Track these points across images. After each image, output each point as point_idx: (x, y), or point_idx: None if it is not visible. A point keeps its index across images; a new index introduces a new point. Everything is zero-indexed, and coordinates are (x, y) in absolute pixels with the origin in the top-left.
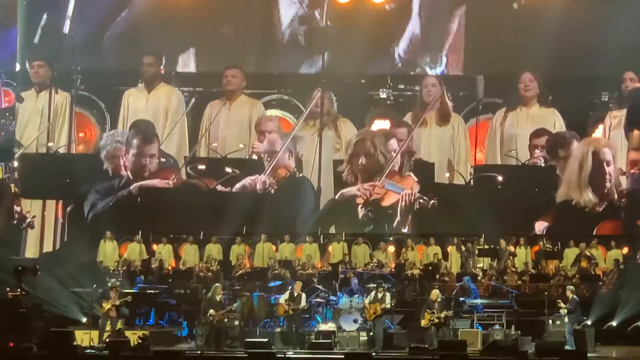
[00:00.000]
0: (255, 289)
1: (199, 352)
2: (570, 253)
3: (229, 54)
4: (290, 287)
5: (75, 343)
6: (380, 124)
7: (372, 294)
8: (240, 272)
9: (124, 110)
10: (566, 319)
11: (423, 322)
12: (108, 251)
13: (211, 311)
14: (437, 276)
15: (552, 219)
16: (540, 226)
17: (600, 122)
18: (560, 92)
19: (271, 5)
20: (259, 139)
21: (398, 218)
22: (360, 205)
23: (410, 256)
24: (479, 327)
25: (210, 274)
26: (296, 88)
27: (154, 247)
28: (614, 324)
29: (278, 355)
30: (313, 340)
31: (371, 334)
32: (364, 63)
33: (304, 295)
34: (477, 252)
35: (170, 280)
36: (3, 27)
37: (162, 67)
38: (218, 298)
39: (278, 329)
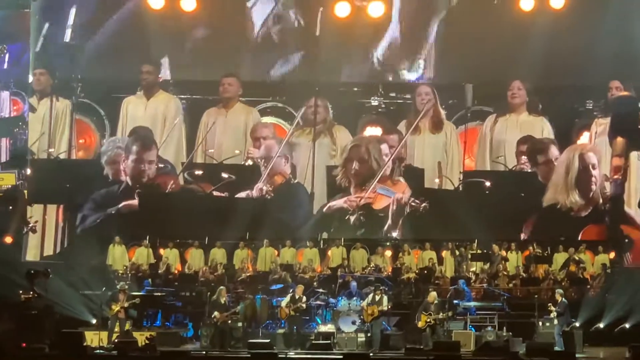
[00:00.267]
0: (258, 292)
1: (204, 352)
2: (560, 258)
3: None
4: (291, 290)
5: (85, 343)
6: (372, 131)
7: (370, 296)
8: (244, 275)
9: (123, 117)
10: (555, 321)
11: (420, 324)
12: (117, 255)
13: (215, 313)
14: (432, 280)
15: (538, 223)
16: (526, 229)
17: (585, 129)
18: (547, 100)
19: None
20: (254, 145)
21: (389, 222)
22: (351, 210)
23: (407, 260)
24: (472, 329)
25: (214, 277)
26: (290, 96)
27: (161, 251)
28: (602, 325)
29: (280, 356)
30: (313, 341)
31: (369, 335)
32: (353, 70)
33: (304, 298)
34: (470, 256)
35: (176, 283)
36: (16, 41)
37: (160, 76)
38: (222, 301)
39: (280, 330)
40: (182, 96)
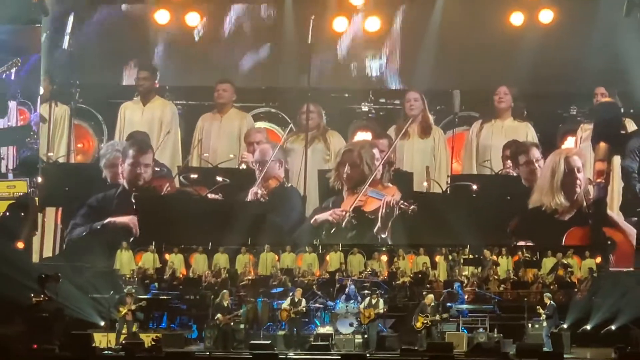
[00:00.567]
0: (259, 295)
1: (208, 353)
2: (548, 262)
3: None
4: (291, 294)
5: (94, 345)
6: (363, 136)
7: (367, 299)
8: (246, 279)
9: (121, 122)
10: (544, 323)
11: (417, 325)
12: (124, 260)
13: (219, 315)
14: (425, 284)
15: (523, 225)
16: (510, 231)
17: (569, 134)
18: (532, 106)
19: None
20: (248, 149)
21: (378, 224)
22: (344, 212)
23: (402, 265)
24: (465, 331)
25: (218, 281)
26: (283, 101)
27: (167, 256)
28: (589, 327)
29: (280, 357)
30: (312, 343)
31: (365, 336)
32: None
33: (304, 301)
34: (462, 261)
35: (181, 287)
36: (26, 54)
37: (156, 82)
38: (225, 303)
39: (280, 332)
40: (178, 102)
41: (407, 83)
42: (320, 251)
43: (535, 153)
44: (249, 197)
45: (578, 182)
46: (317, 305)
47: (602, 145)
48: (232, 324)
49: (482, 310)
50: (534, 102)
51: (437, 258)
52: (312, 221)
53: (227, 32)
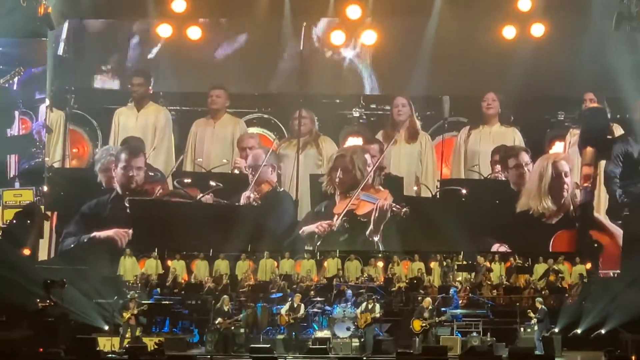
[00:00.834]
0: (259, 301)
1: (209, 356)
2: (540, 268)
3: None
4: (290, 299)
5: (98, 348)
6: (354, 141)
7: (363, 304)
8: (246, 285)
9: (115, 128)
10: (536, 327)
11: (416, 328)
12: (128, 266)
13: (219, 320)
14: (419, 289)
15: (512, 229)
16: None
17: (557, 139)
18: (520, 111)
19: None
20: (241, 154)
21: (371, 227)
22: (335, 217)
23: (397, 271)
24: (459, 334)
25: (218, 286)
26: (276, 107)
27: (169, 262)
28: (579, 331)
29: None
30: (310, 346)
31: (362, 340)
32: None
33: (302, 306)
34: (456, 267)
35: (183, 292)
36: (33, 66)
37: (150, 88)
38: (226, 308)
39: (279, 336)
40: (172, 107)
41: (396, 89)
42: (318, 257)
43: (524, 157)
44: (242, 201)
45: (565, 186)
46: (315, 310)
47: (589, 150)
48: (232, 328)
49: (476, 314)
50: (521, 108)
51: (432, 264)
52: (300, 232)
53: (222, 42)
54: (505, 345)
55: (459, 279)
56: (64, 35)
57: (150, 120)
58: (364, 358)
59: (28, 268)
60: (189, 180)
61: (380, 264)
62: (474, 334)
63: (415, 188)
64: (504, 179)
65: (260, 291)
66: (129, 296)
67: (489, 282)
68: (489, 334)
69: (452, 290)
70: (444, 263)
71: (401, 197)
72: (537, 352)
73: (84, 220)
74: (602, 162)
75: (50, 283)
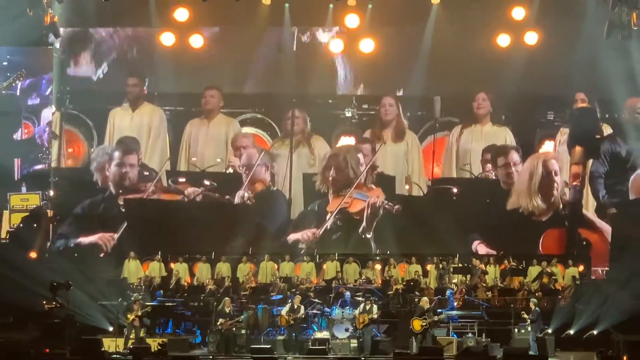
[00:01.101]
0: (259, 302)
1: (211, 357)
2: (533, 270)
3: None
4: (290, 301)
5: (103, 349)
6: (346, 140)
7: (361, 306)
8: (248, 287)
9: (110, 128)
10: (530, 328)
11: (416, 327)
12: (132, 269)
13: (221, 321)
14: (418, 291)
15: (502, 227)
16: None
17: (547, 139)
18: (511, 111)
19: None
20: (235, 154)
21: (364, 224)
22: (328, 215)
23: (394, 273)
24: (454, 335)
25: (220, 288)
26: (269, 107)
27: (172, 265)
28: (572, 332)
29: None
30: (310, 347)
31: (360, 340)
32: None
33: (302, 308)
34: (452, 269)
35: (185, 294)
36: (39, 74)
37: (145, 88)
38: (227, 310)
39: (280, 337)
40: (166, 107)
41: (388, 91)
42: (318, 260)
43: (514, 156)
44: (236, 200)
45: (555, 184)
46: (314, 311)
47: (578, 149)
48: (234, 329)
49: (471, 316)
50: (512, 108)
51: (429, 267)
52: (287, 238)
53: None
54: (500, 346)
55: (455, 281)
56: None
57: (145, 120)
58: (362, 358)
59: (35, 270)
60: (184, 180)
61: (378, 266)
62: (470, 334)
63: (407, 187)
64: (494, 177)
65: (261, 293)
66: (133, 298)
67: (484, 284)
68: (484, 334)
69: (448, 292)
70: (440, 266)
71: (393, 195)
72: (531, 353)
73: (77, 222)
74: (591, 162)
75: (56, 285)
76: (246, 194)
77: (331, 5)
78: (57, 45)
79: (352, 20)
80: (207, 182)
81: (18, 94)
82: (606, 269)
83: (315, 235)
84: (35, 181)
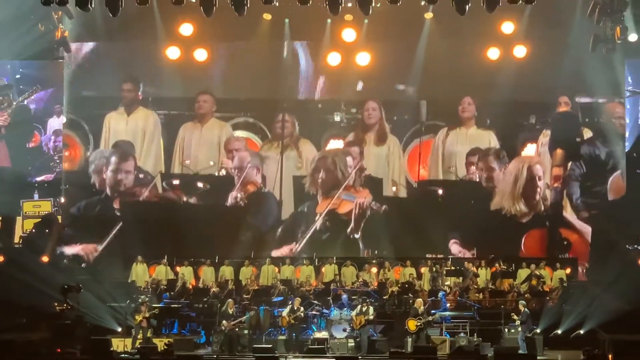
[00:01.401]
0: (261, 304)
1: (215, 356)
2: (523, 273)
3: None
4: (290, 302)
5: (112, 349)
6: (335, 144)
7: (358, 307)
8: (249, 289)
9: (106, 132)
10: (519, 328)
11: (411, 328)
12: (139, 272)
13: (224, 322)
14: (412, 293)
15: (486, 227)
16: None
17: (529, 142)
18: (494, 115)
19: None
20: (228, 157)
21: (352, 224)
22: (317, 216)
23: (390, 276)
24: (447, 335)
25: (224, 291)
26: (260, 112)
27: (178, 269)
28: (559, 332)
29: (280, 359)
30: (309, 346)
31: (358, 340)
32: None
33: (302, 309)
34: (445, 272)
35: (191, 296)
36: (50, 86)
37: (139, 93)
38: (230, 311)
39: (281, 337)
40: (160, 112)
41: (376, 96)
42: (317, 264)
43: (496, 159)
44: (229, 201)
45: (538, 189)
46: (314, 312)
47: (559, 152)
48: (236, 329)
49: (463, 316)
50: (496, 112)
51: (422, 269)
52: (271, 253)
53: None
54: (491, 345)
55: (447, 283)
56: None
57: (139, 125)
58: (360, 357)
59: (47, 274)
60: (177, 182)
61: (374, 269)
62: (462, 334)
63: (394, 189)
64: (478, 179)
65: (262, 295)
66: (140, 300)
67: (476, 286)
68: (475, 334)
69: (440, 294)
70: (434, 268)
71: (381, 197)
72: (520, 352)
73: (72, 223)
74: (571, 164)
75: (67, 288)
76: (239, 195)
77: (329, 21)
78: (68, 58)
79: (348, 35)
80: (200, 185)
81: (27, 104)
82: (586, 267)
83: (292, 251)
84: (47, 188)
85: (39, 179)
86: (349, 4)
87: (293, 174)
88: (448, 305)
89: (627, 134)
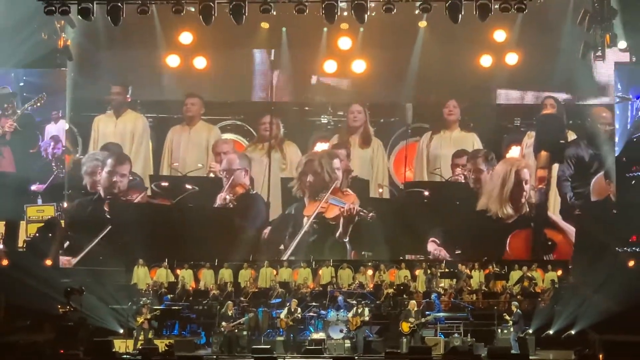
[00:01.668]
0: (260, 306)
1: (215, 357)
2: (515, 275)
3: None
4: (288, 304)
5: (114, 350)
6: (322, 146)
7: (354, 309)
8: (248, 291)
9: (95, 134)
10: (512, 329)
11: (404, 329)
12: (141, 275)
13: (224, 324)
14: (407, 295)
15: (471, 228)
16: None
17: (514, 144)
18: (478, 118)
19: None
20: (216, 159)
21: (340, 229)
22: (305, 219)
23: (385, 278)
24: (442, 336)
25: (223, 293)
26: (248, 114)
27: (178, 271)
28: (551, 332)
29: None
30: (307, 347)
31: (354, 341)
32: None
33: (299, 310)
34: (439, 274)
35: (191, 298)
36: (53, 94)
37: (128, 96)
38: (230, 313)
39: (279, 338)
40: (149, 115)
41: (361, 100)
42: (314, 266)
43: (482, 161)
44: (218, 202)
45: (524, 193)
46: (311, 314)
47: (544, 153)
48: (236, 331)
49: (457, 317)
50: (480, 115)
51: (417, 272)
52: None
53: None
54: (484, 345)
55: (442, 285)
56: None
57: (128, 127)
58: (356, 357)
59: (50, 277)
60: (166, 184)
61: (370, 272)
62: (456, 335)
63: (380, 190)
64: (463, 181)
65: (261, 297)
66: (142, 302)
67: (469, 288)
68: (469, 335)
69: (433, 296)
70: (428, 271)
71: (367, 198)
72: (513, 352)
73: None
74: (555, 166)
75: (70, 290)
76: (227, 197)
77: (325, 29)
78: (70, 66)
79: (344, 43)
80: (188, 186)
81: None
82: (570, 267)
83: (281, 252)
84: (50, 193)
85: (33, 187)
86: (345, 13)
87: (280, 176)
88: (442, 306)
89: (616, 139)
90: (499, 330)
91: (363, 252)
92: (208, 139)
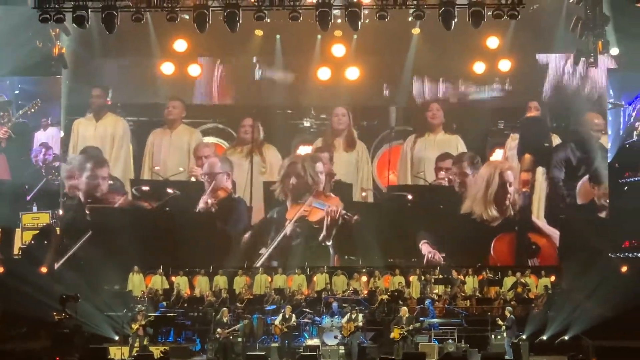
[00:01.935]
0: (254, 312)
1: None
2: (509, 281)
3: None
4: (283, 310)
5: (109, 357)
6: (305, 149)
7: (348, 315)
8: (243, 298)
9: (74, 137)
10: (505, 334)
11: (394, 335)
12: (136, 282)
13: (219, 330)
14: (401, 301)
15: (455, 231)
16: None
17: (497, 147)
18: (462, 120)
19: None
20: (197, 163)
21: (324, 232)
22: (288, 221)
23: (379, 284)
24: (436, 342)
25: (218, 300)
26: (229, 118)
27: (173, 278)
28: (544, 337)
29: None
30: (302, 353)
31: (348, 347)
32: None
33: (294, 317)
34: (433, 280)
35: (186, 305)
36: (49, 101)
37: (108, 99)
38: (225, 319)
39: (274, 344)
40: (129, 118)
41: (344, 103)
42: (308, 273)
43: (466, 164)
44: (200, 206)
45: (508, 195)
46: (305, 320)
47: (528, 156)
48: (231, 337)
49: (451, 323)
50: (463, 118)
51: (411, 278)
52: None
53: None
54: (478, 351)
55: (436, 291)
56: None
57: (108, 131)
58: None
59: (45, 284)
60: (147, 188)
61: (364, 278)
62: (450, 341)
63: (363, 194)
64: (447, 184)
65: (256, 304)
66: (137, 309)
67: (463, 294)
68: (463, 340)
69: (427, 302)
70: (422, 277)
71: (351, 202)
72: (506, 357)
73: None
74: (540, 169)
75: (66, 297)
76: (209, 201)
77: (319, 36)
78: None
79: (338, 50)
80: (170, 190)
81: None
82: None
83: (261, 255)
84: (45, 201)
85: (29, 197)
86: (339, 20)
87: (261, 180)
88: (436, 312)
89: (609, 145)
90: (493, 336)
91: (346, 256)
92: (189, 143)
